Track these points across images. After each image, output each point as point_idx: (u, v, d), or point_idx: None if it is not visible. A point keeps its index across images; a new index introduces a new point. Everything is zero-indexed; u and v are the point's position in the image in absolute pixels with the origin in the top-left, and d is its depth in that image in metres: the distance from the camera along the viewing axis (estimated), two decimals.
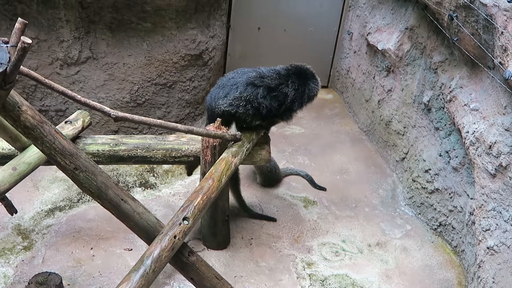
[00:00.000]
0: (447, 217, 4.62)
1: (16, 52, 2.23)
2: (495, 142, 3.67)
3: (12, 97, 2.58)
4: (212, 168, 3.65)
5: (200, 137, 3.94)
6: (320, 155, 5.86)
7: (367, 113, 6.21)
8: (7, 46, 2.32)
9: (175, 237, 3.03)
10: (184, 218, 3.14)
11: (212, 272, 3.37)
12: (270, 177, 5.20)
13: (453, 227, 4.56)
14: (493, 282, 3.58)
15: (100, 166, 3.13)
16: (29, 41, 2.20)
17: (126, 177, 5.16)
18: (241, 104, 3.96)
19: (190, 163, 4.26)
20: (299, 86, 4.14)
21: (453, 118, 4.34)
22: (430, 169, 4.82)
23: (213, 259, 4.28)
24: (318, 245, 4.57)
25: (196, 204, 3.26)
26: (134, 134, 5.63)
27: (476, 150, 3.90)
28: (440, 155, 4.71)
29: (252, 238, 4.57)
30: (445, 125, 4.66)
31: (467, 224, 4.26)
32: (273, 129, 4.70)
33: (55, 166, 2.96)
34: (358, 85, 6.44)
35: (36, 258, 4.12)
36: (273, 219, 4.81)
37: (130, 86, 5.46)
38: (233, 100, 3.97)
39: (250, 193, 5.12)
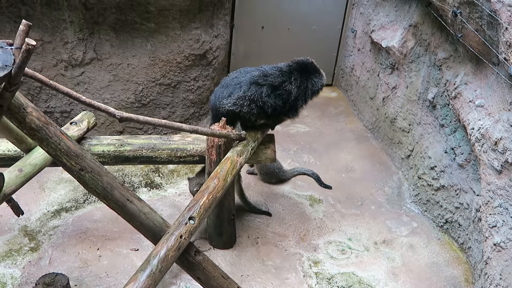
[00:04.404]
0: (453, 214, 4.61)
1: (20, 54, 2.24)
2: (500, 139, 3.65)
3: (17, 99, 2.59)
4: (218, 167, 3.65)
5: (205, 137, 3.94)
6: (325, 154, 5.85)
7: (372, 110, 6.20)
8: (12, 48, 2.33)
9: (181, 236, 3.03)
10: (190, 218, 3.14)
11: (219, 272, 3.37)
12: (270, 175, 5.19)
13: (459, 224, 4.54)
14: (500, 278, 3.57)
15: (106, 166, 3.15)
16: (34, 43, 2.20)
17: (132, 178, 5.17)
18: (245, 103, 3.95)
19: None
20: (301, 82, 4.12)
21: (458, 115, 4.33)
22: (435, 166, 4.81)
23: (219, 258, 4.28)
24: (324, 244, 4.56)
25: (202, 203, 3.26)
26: (139, 134, 5.64)
27: (481, 147, 3.88)
28: (445, 152, 4.69)
29: (258, 237, 4.57)
30: (450, 122, 4.65)
31: (473, 221, 4.24)
32: (278, 127, 4.69)
33: (61, 167, 2.98)
34: (363, 83, 6.43)
35: (43, 259, 4.14)
36: (268, 213, 4.82)
37: (135, 87, 5.47)
38: (237, 99, 3.96)
39: (256, 192, 5.12)
